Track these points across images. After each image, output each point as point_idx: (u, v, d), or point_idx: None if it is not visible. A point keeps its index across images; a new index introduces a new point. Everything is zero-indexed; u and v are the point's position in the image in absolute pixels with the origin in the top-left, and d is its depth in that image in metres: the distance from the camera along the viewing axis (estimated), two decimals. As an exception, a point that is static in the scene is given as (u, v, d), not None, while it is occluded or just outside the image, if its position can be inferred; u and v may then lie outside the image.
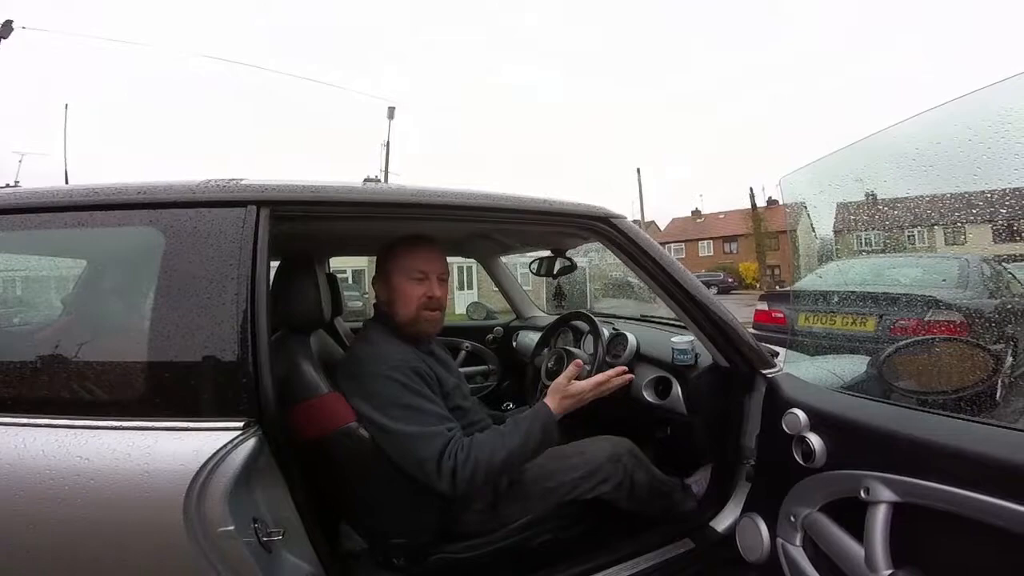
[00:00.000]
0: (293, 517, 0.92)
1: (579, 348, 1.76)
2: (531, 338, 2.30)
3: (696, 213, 38.45)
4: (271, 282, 1.11)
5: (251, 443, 0.83)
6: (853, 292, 2.15)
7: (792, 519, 1.00)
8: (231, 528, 0.80)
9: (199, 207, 0.92)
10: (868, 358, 1.31)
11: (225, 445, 0.81)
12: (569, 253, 1.97)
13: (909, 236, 1.43)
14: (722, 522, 1.27)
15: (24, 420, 0.81)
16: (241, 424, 0.83)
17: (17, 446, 0.78)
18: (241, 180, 0.96)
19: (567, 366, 1.62)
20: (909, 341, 1.21)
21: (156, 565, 0.81)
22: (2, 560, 0.79)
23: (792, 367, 1.25)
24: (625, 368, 1.23)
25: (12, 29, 10.44)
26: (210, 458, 0.79)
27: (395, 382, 1.08)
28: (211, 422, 0.83)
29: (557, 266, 1.94)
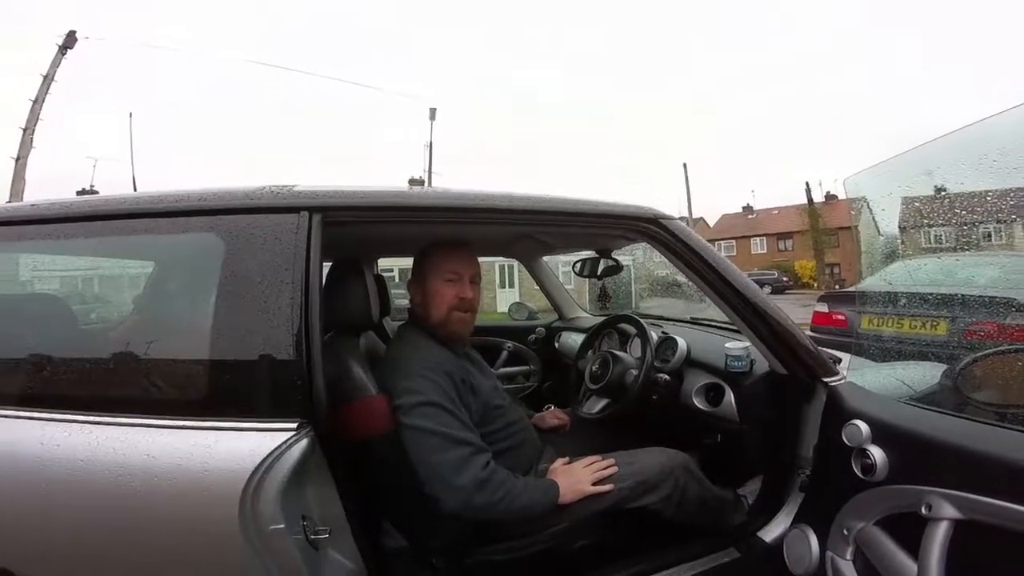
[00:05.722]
0: (339, 515, 0.94)
1: (626, 352, 1.72)
2: (574, 339, 2.27)
3: (748, 209, 36.98)
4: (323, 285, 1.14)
5: (304, 443, 0.85)
6: (923, 293, 2.00)
7: (845, 532, 0.97)
8: (282, 526, 0.82)
9: (256, 213, 0.96)
10: (941, 365, 1.22)
11: (280, 445, 0.83)
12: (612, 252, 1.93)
13: (986, 233, 1.34)
14: (770, 532, 1.22)
15: (99, 419, 0.86)
16: (295, 425, 0.86)
17: (91, 443, 0.83)
18: (294, 187, 0.99)
19: (613, 370, 1.59)
20: (993, 350, 1.11)
21: (210, 559, 0.85)
22: (78, 547, 0.85)
23: (856, 375, 1.18)
24: (612, 461, 1.22)
25: (76, 39, 11.29)
26: (266, 458, 0.82)
27: (430, 381, 1.10)
28: (267, 422, 0.86)
29: (601, 267, 1.90)
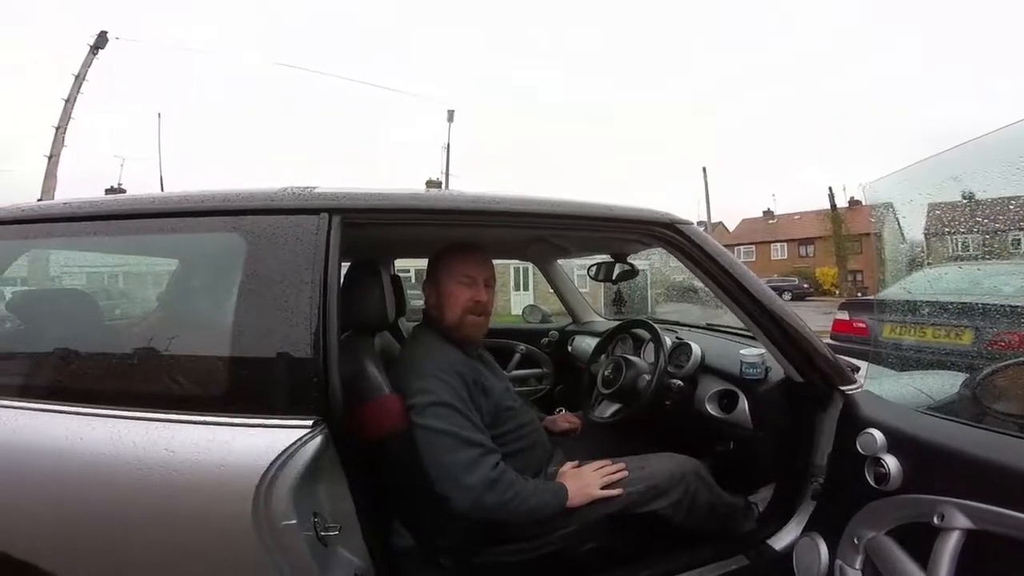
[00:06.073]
0: (350, 513, 0.95)
1: (639, 357, 1.71)
2: (587, 343, 2.26)
3: (768, 214, 36.33)
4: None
5: (318, 441, 0.86)
6: (947, 302, 1.96)
7: (855, 541, 0.96)
8: (293, 522, 0.84)
9: (277, 214, 0.98)
10: (961, 375, 1.20)
11: (295, 442, 0.84)
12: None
13: (1014, 241, 1.31)
14: (781, 540, 1.21)
15: (121, 413, 0.88)
16: (310, 423, 0.87)
17: (113, 437, 0.85)
18: (315, 188, 1.01)
19: (625, 375, 1.59)
20: (1014, 360, 1.09)
21: (222, 554, 0.87)
22: (96, 540, 0.87)
23: (874, 384, 1.16)
24: (622, 466, 1.22)
25: (107, 40, 11.60)
26: (280, 454, 0.83)
27: (442, 382, 1.11)
28: (283, 419, 0.87)
29: (617, 271, 1.89)
